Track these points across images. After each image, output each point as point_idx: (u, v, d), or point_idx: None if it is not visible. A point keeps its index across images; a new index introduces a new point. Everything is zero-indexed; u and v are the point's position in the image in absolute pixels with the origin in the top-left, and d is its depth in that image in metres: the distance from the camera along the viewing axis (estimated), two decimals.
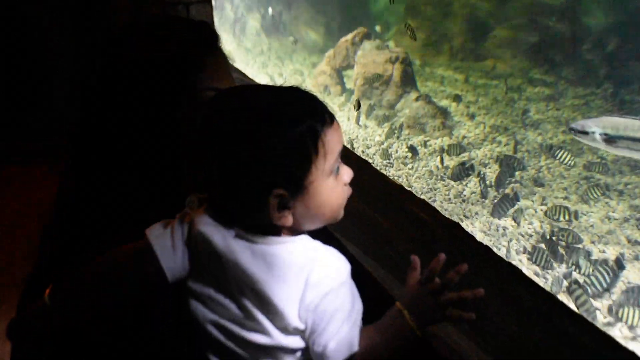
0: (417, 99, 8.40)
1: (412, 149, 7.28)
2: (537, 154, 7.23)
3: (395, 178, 6.69)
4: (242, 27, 12.75)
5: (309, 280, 0.99)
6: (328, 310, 0.99)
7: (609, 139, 2.28)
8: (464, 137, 8.03)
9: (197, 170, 1.05)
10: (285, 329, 1.00)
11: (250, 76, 4.78)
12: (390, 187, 2.11)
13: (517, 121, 8.53)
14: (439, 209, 5.68)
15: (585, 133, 2.39)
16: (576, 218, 5.27)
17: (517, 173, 6.47)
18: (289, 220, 1.01)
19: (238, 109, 1.01)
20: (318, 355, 1.01)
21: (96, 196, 1.23)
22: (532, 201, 5.99)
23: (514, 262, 4.70)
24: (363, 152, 7.70)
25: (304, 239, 1.07)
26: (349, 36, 9.90)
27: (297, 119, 0.99)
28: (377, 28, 10.47)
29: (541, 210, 5.73)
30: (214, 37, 1.34)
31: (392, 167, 7.17)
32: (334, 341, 0.99)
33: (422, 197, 6.16)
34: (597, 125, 2.28)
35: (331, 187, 1.05)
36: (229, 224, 1.04)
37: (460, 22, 11.62)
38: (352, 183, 1.15)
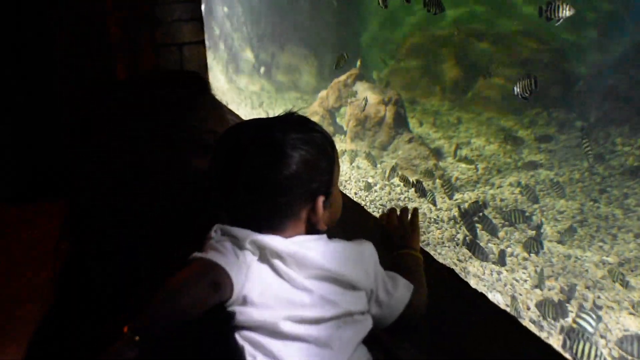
0: (409, 141, 8.50)
1: (422, 191, 7.22)
2: (532, 196, 7.29)
3: None
4: (235, 67, 12.92)
5: (364, 255, 1.21)
6: (379, 272, 1.24)
7: None
8: (457, 178, 8.11)
9: (226, 197, 1.17)
10: (354, 298, 1.17)
11: (243, 116, 4.83)
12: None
13: (509, 163, 8.63)
14: (432, 253, 5.70)
15: None
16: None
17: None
18: (324, 225, 1.19)
19: (262, 134, 1.16)
20: (389, 305, 1.25)
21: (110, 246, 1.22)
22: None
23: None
24: (356, 193, 7.74)
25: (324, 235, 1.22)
26: (342, 77, 10.05)
27: (319, 132, 1.20)
28: (374, 75, 10.66)
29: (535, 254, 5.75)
30: (205, 85, 1.42)
31: (385, 209, 7.15)
32: (396, 289, 1.26)
33: None
34: None
35: (339, 194, 1.27)
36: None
37: (452, 64, 11.85)
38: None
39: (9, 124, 1.33)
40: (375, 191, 7.70)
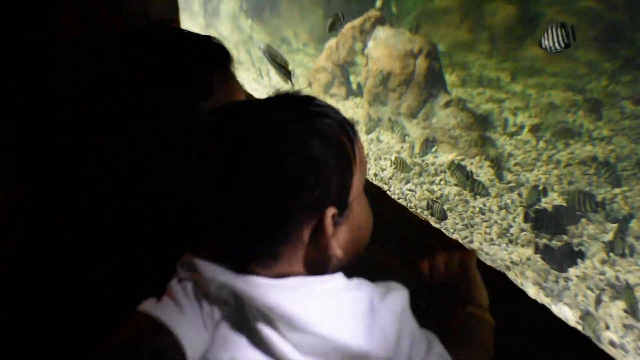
0: (447, 105, 8.50)
1: (461, 169, 7.23)
2: (611, 179, 7.24)
3: (419, 211, 6.70)
4: (215, 9, 12.90)
5: (386, 312, 1.07)
6: (406, 336, 1.10)
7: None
8: (510, 154, 8.10)
9: (203, 212, 1.11)
10: None
11: None
12: (413, 225, 2.11)
13: (581, 133, 8.60)
14: (478, 254, 5.68)
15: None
16: None
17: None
18: (339, 250, 1.10)
19: (259, 123, 1.06)
20: None
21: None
22: (604, 243, 5.99)
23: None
24: (376, 175, 7.76)
25: (340, 274, 1.11)
26: (357, 21, 10.02)
27: (331, 117, 1.10)
28: (393, 9, 10.61)
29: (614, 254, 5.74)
30: (228, 58, 1.52)
31: (415, 194, 7.22)
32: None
33: (455, 236, 6.15)
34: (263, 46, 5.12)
35: (366, 206, 1.20)
36: (247, 271, 1.06)
37: (504, 3, 11.79)
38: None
39: (9, 124, 1.58)
40: (401, 172, 7.69)
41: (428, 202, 6.43)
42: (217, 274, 1.05)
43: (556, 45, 5.53)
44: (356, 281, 1.10)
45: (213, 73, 1.47)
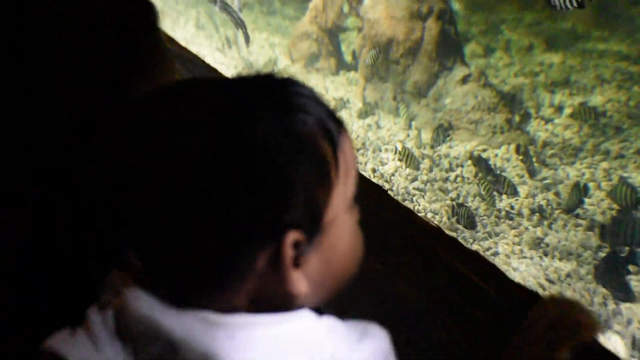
0: (464, 80, 8.56)
1: (480, 161, 7.28)
2: None
3: (430, 216, 6.77)
4: None
5: None
6: None
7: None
8: (546, 142, 8.17)
9: (130, 224, 1.16)
10: None
11: (183, 42, 4.90)
12: (421, 232, 2.13)
13: (636, 116, 8.64)
14: (504, 269, 5.71)
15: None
16: None
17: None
18: (304, 284, 1.04)
19: (205, 108, 1.06)
20: None
21: None
22: None
23: None
24: (375, 170, 7.81)
25: (306, 311, 1.08)
26: None
27: (307, 112, 1.05)
28: None
29: None
30: (154, 15, 1.55)
31: (424, 195, 7.29)
32: None
33: (475, 247, 6.05)
34: None
35: (353, 228, 1.14)
36: (187, 303, 1.03)
37: None
38: (362, 224, 1.22)
39: (9, 124, 1.78)
40: (407, 166, 7.70)
41: (453, 206, 6.44)
42: (145, 305, 1.03)
43: (567, 3, 5.60)
44: (324, 325, 1.07)
45: (141, 39, 1.51)
